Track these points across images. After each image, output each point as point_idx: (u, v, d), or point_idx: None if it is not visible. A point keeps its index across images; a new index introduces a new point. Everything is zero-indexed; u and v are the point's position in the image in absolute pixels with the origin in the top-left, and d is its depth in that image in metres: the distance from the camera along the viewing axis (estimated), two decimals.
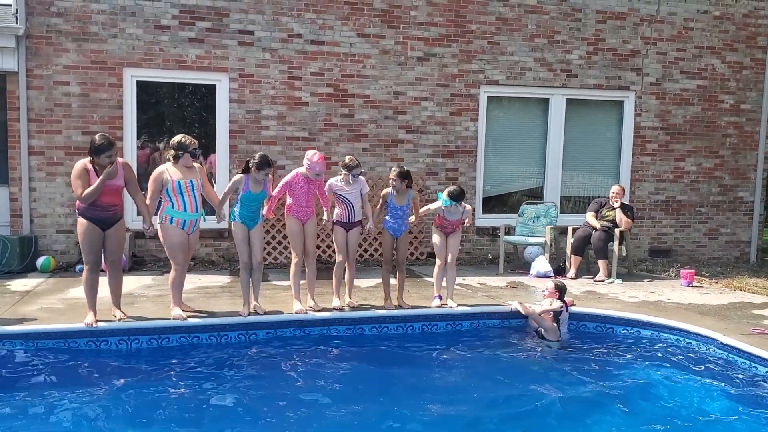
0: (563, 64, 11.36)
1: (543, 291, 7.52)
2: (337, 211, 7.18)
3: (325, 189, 7.12)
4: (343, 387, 5.58)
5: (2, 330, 6.11)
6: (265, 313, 6.81)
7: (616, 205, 9.68)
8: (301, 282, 7.12)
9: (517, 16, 11.10)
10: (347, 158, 7.17)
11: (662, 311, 7.49)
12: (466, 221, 7.51)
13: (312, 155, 6.85)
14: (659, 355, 6.50)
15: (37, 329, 6.21)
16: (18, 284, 8.29)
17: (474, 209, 11.13)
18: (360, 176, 7.21)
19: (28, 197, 9.56)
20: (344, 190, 7.09)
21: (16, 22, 9.27)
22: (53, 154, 9.60)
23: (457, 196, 7.28)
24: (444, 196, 7.26)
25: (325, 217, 7.22)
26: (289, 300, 7.14)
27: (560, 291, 7.29)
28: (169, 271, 6.80)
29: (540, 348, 6.74)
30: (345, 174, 7.05)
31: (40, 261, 9.26)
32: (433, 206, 7.57)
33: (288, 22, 10.24)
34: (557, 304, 7.10)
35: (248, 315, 6.71)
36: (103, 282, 6.55)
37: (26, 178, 9.52)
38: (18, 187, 9.54)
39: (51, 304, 7.20)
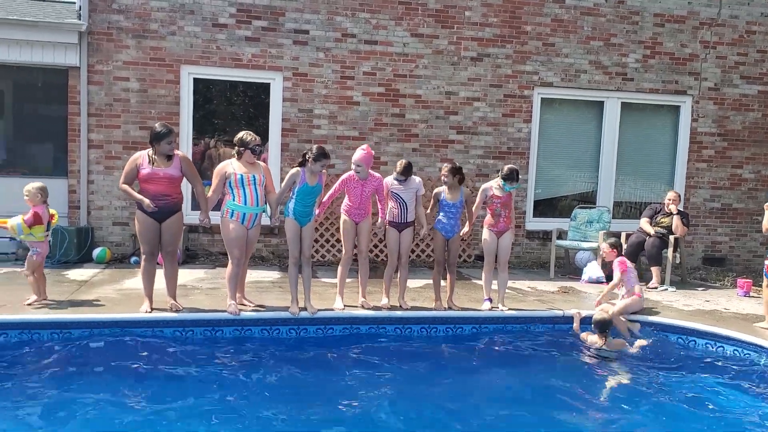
0: (619, 68, 11.17)
1: (601, 253, 7.47)
2: (390, 206, 7.16)
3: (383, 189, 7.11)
4: (388, 386, 5.58)
5: (62, 317, 6.26)
6: (317, 312, 6.83)
7: (674, 211, 9.47)
8: (348, 280, 7.13)
9: (573, 18, 10.96)
10: (398, 163, 7.14)
11: (719, 321, 7.30)
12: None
13: (360, 148, 6.93)
14: (718, 364, 6.34)
15: (97, 318, 6.34)
16: (75, 274, 8.51)
17: (525, 213, 11.05)
18: (416, 177, 7.19)
19: (86, 190, 9.80)
20: (399, 189, 7.09)
21: (79, 19, 9.51)
22: (111, 147, 9.82)
23: (513, 176, 7.29)
24: (498, 181, 7.32)
25: (378, 222, 7.20)
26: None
27: (618, 248, 7.23)
28: (220, 265, 6.89)
29: (592, 355, 6.62)
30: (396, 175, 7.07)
31: (96, 252, 9.48)
32: (479, 199, 7.49)
33: (342, 21, 10.30)
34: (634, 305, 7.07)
35: (298, 314, 6.74)
36: (159, 273, 6.67)
37: (85, 171, 9.76)
38: (77, 180, 9.79)
39: (107, 294, 7.36)
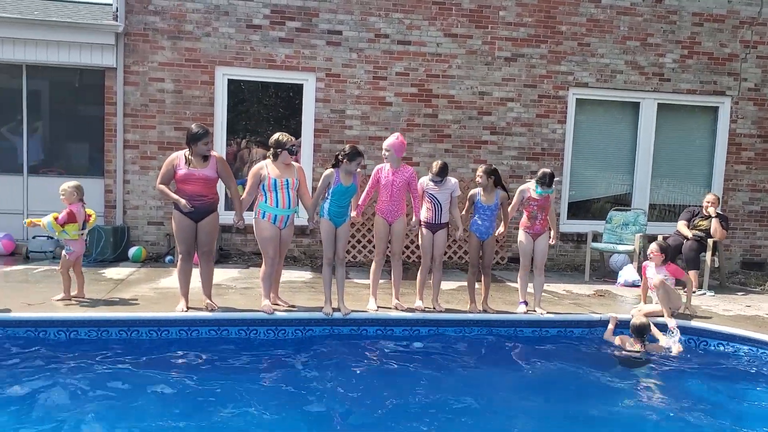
0: (656, 68, 11.00)
1: (649, 254, 7.40)
2: (425, 207, 7.13)
3: (418, 186, 7.08)
4: (420, 387, 5.56)
5: (100, 316, 6.32)
6: (350, 312, 6.80)
7: (713, 213, 9.28)
8: (382, 281, 7.11)
9: (609, 18, 10.81)
10: (433, 164, 7.10)
11: (762, 326, 7.12)
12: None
13: (393, 135, 6.97)
14: (764, 372, 6.19)
15: (135, 316, 6.39)
16: (112, 272, 8.60)
17: (558, 215, 10.92)
18: (451, 178, 7.15)
19: (122, 189, 9.91)
20: (435, 190, 7.05)
21: (116, 20, 9.62)
22: (147, 148, 9.92)
23: (546, 180, 7.16)
24: (532, 185, 7.24)
25: (413, 220, 7.17)
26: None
27: (666, 252, 7.25)
28: (253, 265, 6.91)
29: (626, 358, 6.51)
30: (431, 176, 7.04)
31: (132, 251, 9.58)
32: (515, 201, 7.40)
33: (376, 22, 10.28)
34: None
35: (332, 314, 6.72)
36: (195, 272, 6.71)
37: (121, 170, 9.87)
38: (113, 180, 9.90)
39: (144, 293, 7.42)
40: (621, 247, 9.77)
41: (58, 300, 6.74)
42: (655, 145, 11.20)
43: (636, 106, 11.15)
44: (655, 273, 7.34)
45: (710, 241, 9.13)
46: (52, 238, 8.84)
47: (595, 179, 11.32)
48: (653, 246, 7.42)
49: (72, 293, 6.85)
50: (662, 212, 11.49)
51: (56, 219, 6.65)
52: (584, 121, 11.10)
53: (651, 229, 10.24)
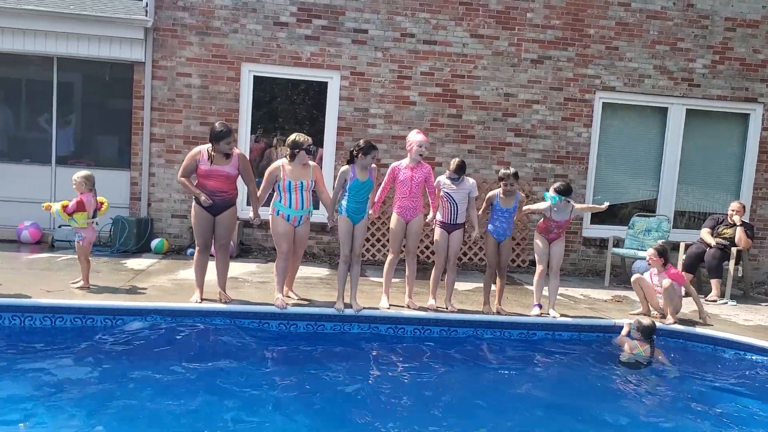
0: (685, 73, 10.83)
1: (647, 260, 7.39)
2: (441, 206, 7.13)
3: (434, 184, 7.09)
4: (426, 387, 5.56)
5: (114, 304, 6.44)
6: (362, 309, 6.83)
7: (738, 221, 9.11)
8: (396, 280, 7.12)
9: (638, 22, 10.68)
10: (452, 162, 7.10)
11: None
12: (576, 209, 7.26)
13: (414, 132, 6.98)
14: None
15: (148, 305, 6.50)
16: (133, 263, 8.75)
17: (581, 219, 10.82)
18: (470, 180, 7.13)
19: (147, 182, 10.07)
20: (452, 189, 7.04)
21: (146, 15, 9.78)
22: (172, 142, 10.07)
23: (565, 191, 7.08)
24: (551, 193, 7.08)
25: (430, 215, 7.18)
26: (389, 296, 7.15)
27: (664, 255, 7.14)
28: (272, 260, 6.98)
29: (635, 363, 6.43)
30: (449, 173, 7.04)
31: (155, 243, 9.73)
32: (539, 206, 7.36)
33: (402, 21, 10.29)
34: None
35: (343, 310, 6.76)
36: (212, 265, 6.81)
37: (146, 163, 10.03)
38: (138, 172, 10.07)
39: (162, 283, 7.55)
40: (642, 253, 9.61)
41: (76, 287, 6.88)
42: (682, 151, 11.03)
43: (664, 111, 10.99)
44: (659, 278, 7.29)
45: (734, 250, 8.97)
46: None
47: (621, 184, 11.18)
48: (650, 251, 7.37)
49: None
50: (691, 219, 11.31)
51: (64, 208, 6.82)
52: (611, 125, 10.97)
53: (674, 236, 10.09)
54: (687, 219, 11.30)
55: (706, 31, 10.81)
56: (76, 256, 7.08)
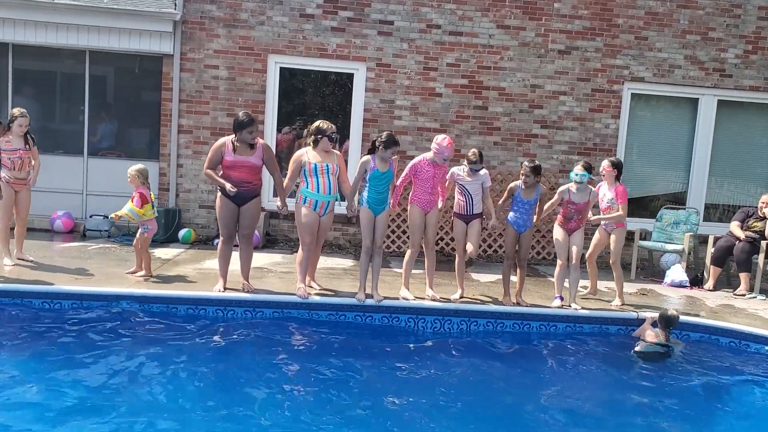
0: (716, 63, 10.63)
1: (601, 171, 7.71)
2: (456, 198, 7.14)
3: (447, 176, 7.11)
4: (443, 380, 5.60)
5: (139, 292, 6.59)
6: (384, 299, 6.88)
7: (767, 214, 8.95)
8: (417, 271, 7.15)
9: (668, 11, 10.51)
10: (470, 153, 7.10)
11: None
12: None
13: (441, 140, 6.90)
14: None
15: (171, 294, 6.64)
16: (161, 252, 8.91)
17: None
18: (482, 170, 7.13)
19: (175, 173, 10.24)
20: (466, 180, 7.06)
21: (175, 8, 9.92)
22: (200, 133, 10.21)
23: (588, 168, 7.16)
24: (578, 169, 7.19)
25: (439, 205, 7.19)
26: (411, 288, 7.18)
27: (618, 168, 7.56)
28: (298, 251, 7.06)
29: (652, 354, 6.37)
30: (465, 166, 7.04)
31: (182, 233, 9.89)
32: (554, 199, 7.38)
33: (428, 12, 10.28)
34: None
35: (365, 300, 6.82)
36: (236, 255, 6.93)
37: (174, 155, 10.19)
38: (167, 163, 10.23)
39: (187, 272, 7.70)
40: (670, 246, 9.53)
41: (138, 276, 7.18)
42: (713, 142, 10.84)
43: (694, 102, 10.81)
44: (607, 191, 7.56)
45: (763, 244, 8.80)
46: (107, 217, 9.26)
47: (650, 176, 11.03)
48: (605, 162, 7.65)
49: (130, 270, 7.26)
50: (724, 212, 11.12)
51: (135, 204, 6.99)
52: (639, 116, 10.83)
53: (703, 229, 9.95)
54: (720, 212, 11.10)
55: (739, 21, 10.60)
56: (132, 247, 7.35)
